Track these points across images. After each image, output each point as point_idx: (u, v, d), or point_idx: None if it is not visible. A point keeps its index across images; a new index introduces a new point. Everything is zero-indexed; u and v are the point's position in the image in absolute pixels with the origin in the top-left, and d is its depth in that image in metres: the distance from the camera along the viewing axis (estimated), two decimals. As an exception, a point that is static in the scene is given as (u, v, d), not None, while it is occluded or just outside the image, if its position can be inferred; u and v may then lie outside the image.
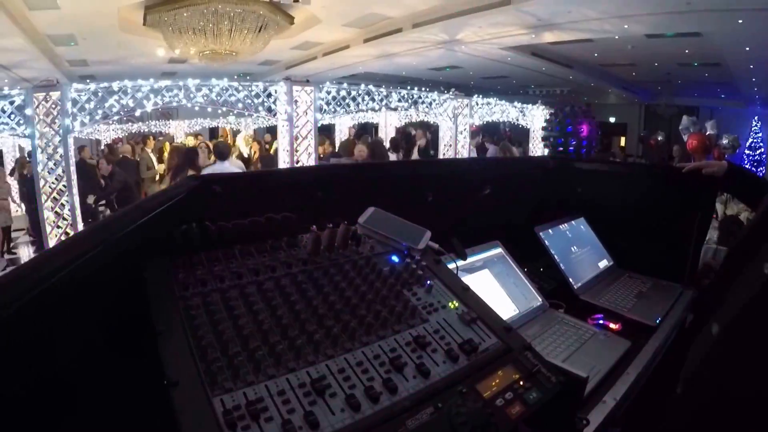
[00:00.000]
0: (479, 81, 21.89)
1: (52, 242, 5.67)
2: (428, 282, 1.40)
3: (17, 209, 13.03)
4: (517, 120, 9.27)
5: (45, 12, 11.65)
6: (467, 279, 1.70)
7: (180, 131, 20.09)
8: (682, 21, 10.56)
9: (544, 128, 9.78)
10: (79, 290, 1.04)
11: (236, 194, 1.57)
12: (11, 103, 5.45)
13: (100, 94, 5.69)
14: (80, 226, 5.94)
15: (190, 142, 13.36)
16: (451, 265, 1.64)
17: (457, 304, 1.35)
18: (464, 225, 1.95)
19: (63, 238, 5.67)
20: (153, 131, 20.75)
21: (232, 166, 6.91)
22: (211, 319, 1.09)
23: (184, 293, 1.15)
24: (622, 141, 22.62)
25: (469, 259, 1.93)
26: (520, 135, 13.69)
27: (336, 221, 1.48)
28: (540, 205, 2.68)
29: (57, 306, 1.00)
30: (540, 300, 2.19)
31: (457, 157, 8.01)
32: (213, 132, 21.77)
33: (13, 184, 13.74)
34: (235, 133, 19.21)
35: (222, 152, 6.86)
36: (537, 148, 10.08)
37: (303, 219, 1.48)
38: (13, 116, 5.45)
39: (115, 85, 5.73)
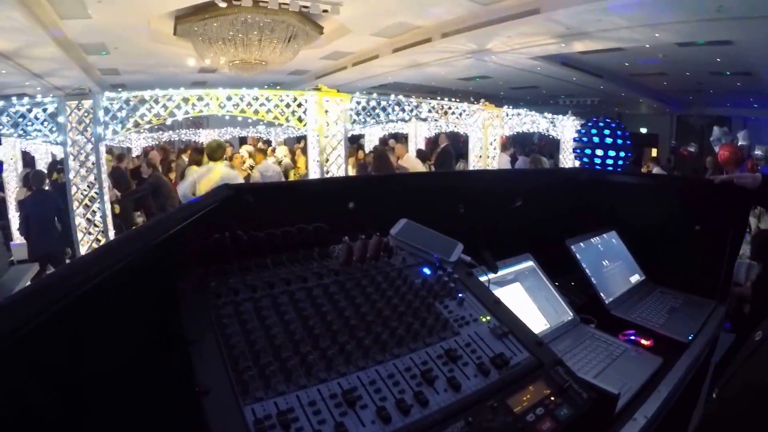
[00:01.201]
0: (509, 91, 21.78)
1: (83, 249, 5.72)
2: (460, 295, 1.40)
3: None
4: (548, 131, 9.18)
5: (77, 21, 11.88)
6: (498, 292, 1.68)
7: (210, 140, 20.23)
8: (713, 29, 10.41)
9: (575, 140, 9.69)
10: (111, 298, 1.06)
11: (268, 204, 1.58)
12: (44, 110, 5.54)
13: (131, 103, 5.75)
14: (111, 234, 6.00)
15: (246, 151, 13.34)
16: (483, 278, 1.63)
17: (488, 318, 1.35)
18: (495, 237, 1.93)
19: (94, 244, 5.74)
20: (183, 140, 21.00)
21: (229, 168, 6.90)
22: (243, 328, 1.10)
23: (217, 302, 1.16)
24: (654, 152, 22.29)
25: (500, 272, 1.93)
26: (551, 146, 13.58)
27: (368, 232, 1.48)
28: (571, 218, 2.64)
29: (89, 313, 1.01)
30: (571, 314, 2.16)
31: (487, 168, 7.96)
32: (242, 141, 21.85)
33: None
34: (266, 142, 19.23)
35: (210, 155, 6.81)
36: (568, 160, 9.98)
37: (335, 230, 1.49)
38: (46, 124, 5.53)
39: (147, 94, 5.79)
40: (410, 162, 10.32)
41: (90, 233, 5.74)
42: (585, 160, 7.73)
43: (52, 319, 0.87)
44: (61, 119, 5.45)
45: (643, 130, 23.54)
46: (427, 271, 1.48)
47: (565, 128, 9.78)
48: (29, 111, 5.46)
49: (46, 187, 8.01)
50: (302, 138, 14.70)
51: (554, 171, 6.50)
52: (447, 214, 1.88)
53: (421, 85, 21.13)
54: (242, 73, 13.93)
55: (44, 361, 0.94)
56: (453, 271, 1.50)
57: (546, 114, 9.21)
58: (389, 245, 1.52)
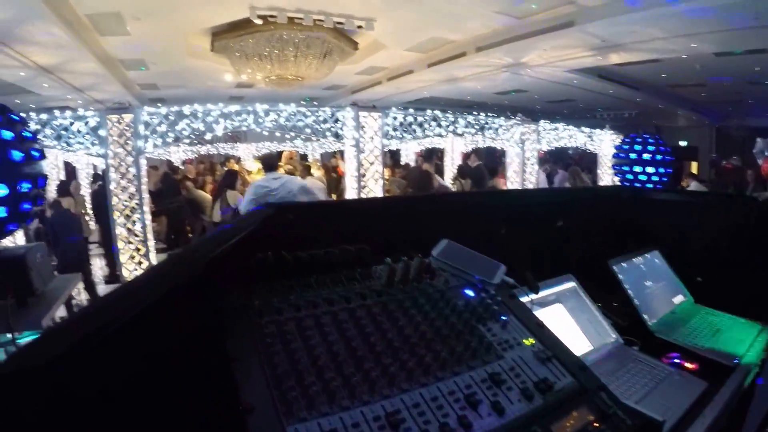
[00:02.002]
0: (545, 105, 21.66)
1: (123, 257, 5.82)
2: (503, 317, 1.39)
3: (90, 220, 13.62)
4: (585, 145, 9.07)
5: (116, 38, 12.17)
6: (540, 313, 1.66)
7: (248, 154, 20.44)
8: (750, 37, 10.20)
9: (614, 156, 9.55)
10: (161, 318, 1.08)
11: (310, 223, 1.59)
12: (86, 123, 5.66)
13: (171, 118, 5.84)
14: (151, 243, 6.10)
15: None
16: (524, 299, 1.62)
17: (532, 341, 1.34)
18: (536, 257, 1.92)
19: (134, 253, 5.84)
20: (221, 153, 21.29)
21: (288, 178, 7.00)
22: (286, 347, 1.11)
23: (260, 321, 1.17)
24: (694, 166, 21.85)
25: (542, 293, 1.90)
26: (589, 161, 13.42)
27: (410, 253, 1.48)
28: (612, 237, 2.61)
29: (141, 333, 1.04)
30: (614, 337, 2.12)
31: (525, 183, 7.91)
32: (279, 156, 22.09)
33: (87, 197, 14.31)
34: (303, 157, 19.31)
35: (269, 164, 6.97)
36: (606, 174, 9.86)
37: (376, 249, 1.49)
38: (87, 136, 5.64)
39: (186, 109, 5.89)
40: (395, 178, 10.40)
41: (130, 242, 5.84)
42: (625, 176, 7.63)
43: (102, 341, 0.90)
44: (102, 132, 5.58)
45: (683, 143, 23.09)
46: (469, 292, 1.47)
47: (603, 142, 9.66)
48: (71, 124, 5.60)
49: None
50: (339, 153, 14.79)
51: (595, 189, 6.44)
52: (487, 234, 1.86)
53: (457, 100, 21.13)
54: (279, 88, 14.08)
55: (89, 379, 0.96)
56: (496, 293, 1.49)
57: (583, 128, 9.11)
58: (431, 266, 1.51)
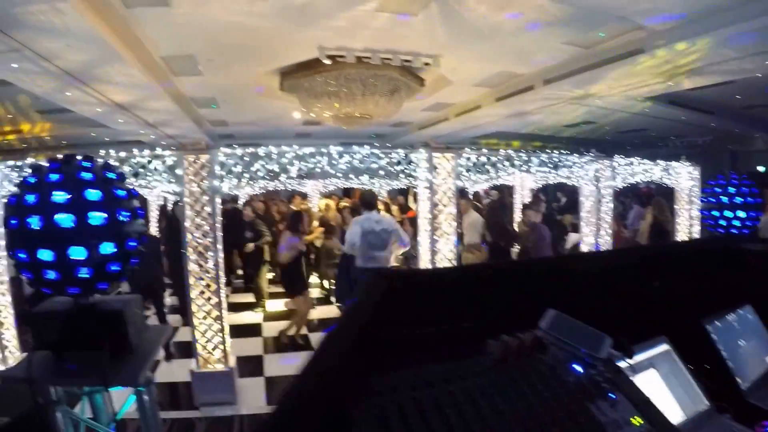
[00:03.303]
0: (615, 135, 21.20)
1: (193, 292, 5.96)
2: (612, 395, 1.40)
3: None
4: (662, 179, 8.82)
5: (189, 78, 12.68)
6: (635, 380, 1.65)
7: (315, 190, 20.64)
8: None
9: (701, 200, 9.36)
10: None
11: (417, 292, 1.60)
12: (163, 162, 5.84)
13: (246, 159, 5.99)
14: (222, 280, 6.23)
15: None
16: (620, 364, 1.62)
17: (641, 421, 1.34)
18: (627, 318, 1.90)
19: (204, 289, 5.98)
20: (288, 189, 21.60)
21: (387, 218, 7.17)
22: (406, 427, 1.13)
23: (377, 399, 1.19)
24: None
25: (636, 357, 1.86)
26: (659, 192, 13.07)
27: (520, 325, 1.50)
28: (703, 292, 2.54)
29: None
30: (707, 404, 2.04)
31: (600, 222, 7.78)
32: (347, 192, 22.22)
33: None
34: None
35: (369, 203, 7.19)
36: (684, 210, 9.59)
37: (485, 320, 1.51)
38: (165, 174, 5.83)
39: (261, 151, 6.02)
40: (472, 218, 10.32)
41: (201, 279, 5.98)
42: (717, 222, 7.42)
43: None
44: (179, 171, 5.75)
45: (761, 169, 22.06)
46: (578, 368, 1.49)
47: (680, 176, 9.41)
48: (149, 162, 5.81)
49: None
50: (405, 191, 14.76)
51: (687, 243, 6.28)
52: (581, 297, 1.86)
53: (525, 134, 20.96)
54: (347, 126, 14.24)
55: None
56: (603, 368, 1.50)
57: (659, 161, 8.89)
58: (542, 340, 1.53)
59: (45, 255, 3.79)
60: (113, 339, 3.98)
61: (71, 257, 3.80)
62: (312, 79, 12.24)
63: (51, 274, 3.86)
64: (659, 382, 2.01)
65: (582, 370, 1.48)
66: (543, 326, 1.58)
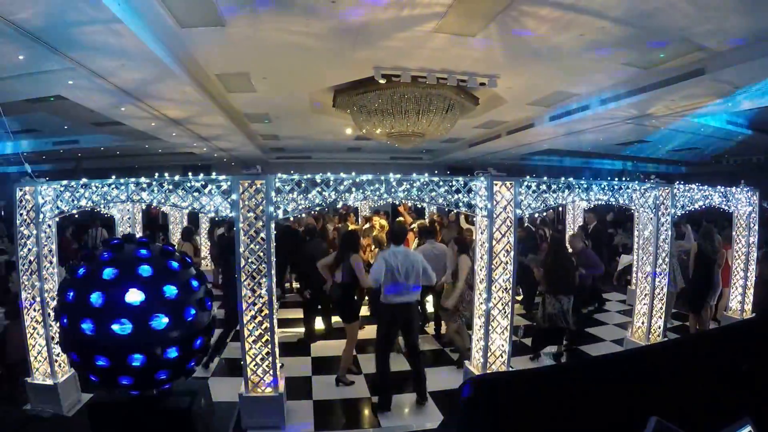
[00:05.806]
0: (668, 153, 20.90)
1: (245, 317, 5.91)
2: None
3: (207, 265, 14.80)
4: (721, 205, 8.54)
5: (242, 94, 13.00)
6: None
7: (363, 205, 20.31)
8: None
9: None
10: None
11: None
12: (218, 187, 5.80)
13: (303, 185, 5.92)
14: (275, 305, 6.16)
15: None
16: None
17: None
18: (712, 400, 1.77)
19: (256, 314, 5.92)
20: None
21: (412, 254, 7.03)
22: None
23: None
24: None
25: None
26: (711, 216, 12.68)
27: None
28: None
29: None
30: None
31: (658, 251, 7.53)
32: (394, 209, 21.99)
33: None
34: (418, 211, 18.52)
35: (399, 237, 7.06)
36: (742, 236, 9.25)
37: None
38: (219, 199, 5.79)
39: (318, 178, 5.95)
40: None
41: (255, 304, 5.91)
42: None
43: None
44: (234, 197, 5.70)
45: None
46: None
47: (740, 202, 9.10)
48: (204, 186, 5.78)
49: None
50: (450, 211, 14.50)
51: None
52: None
53: (575, 151, 20.75)
54: (398, 143, 14.22)
55: None
56: None
57: (719, 187, 8.61)
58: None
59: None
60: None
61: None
62: (365, 97, 12.27)
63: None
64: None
65: None
66: None
